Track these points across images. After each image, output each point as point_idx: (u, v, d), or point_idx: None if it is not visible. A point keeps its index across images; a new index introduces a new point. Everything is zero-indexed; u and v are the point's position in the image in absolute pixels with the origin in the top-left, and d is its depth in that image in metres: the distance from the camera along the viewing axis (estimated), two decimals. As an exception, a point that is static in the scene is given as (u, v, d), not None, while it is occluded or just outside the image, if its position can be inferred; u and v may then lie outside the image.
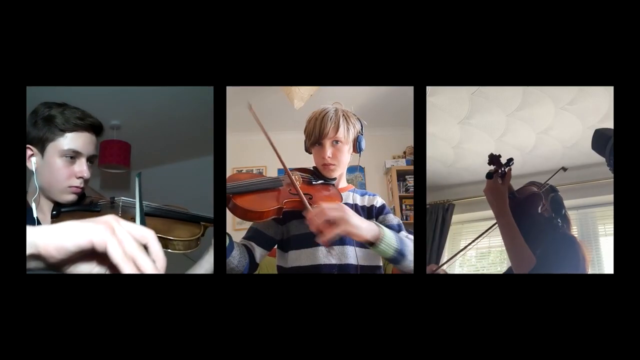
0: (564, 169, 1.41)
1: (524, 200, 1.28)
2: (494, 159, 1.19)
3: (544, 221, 1.27)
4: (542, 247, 1.20)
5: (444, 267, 1.33)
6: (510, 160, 1.19)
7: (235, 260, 1.06)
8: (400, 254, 0.98)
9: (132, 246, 0.51)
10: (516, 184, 1.44)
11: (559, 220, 1.28)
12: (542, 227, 1.25)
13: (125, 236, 0.52)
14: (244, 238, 1.18)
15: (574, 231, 2.58)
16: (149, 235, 0.54)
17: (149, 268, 0.51)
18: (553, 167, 2.58)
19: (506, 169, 1.18)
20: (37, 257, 0.51)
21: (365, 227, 0.94)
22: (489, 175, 1.17)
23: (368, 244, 0.98)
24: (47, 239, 0.50)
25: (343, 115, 1.19)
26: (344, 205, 0.97)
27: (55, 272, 0.53)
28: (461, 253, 1.40)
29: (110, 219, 0.53)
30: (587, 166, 2.45)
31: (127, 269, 0.50)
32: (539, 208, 1.27)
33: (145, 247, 0.53)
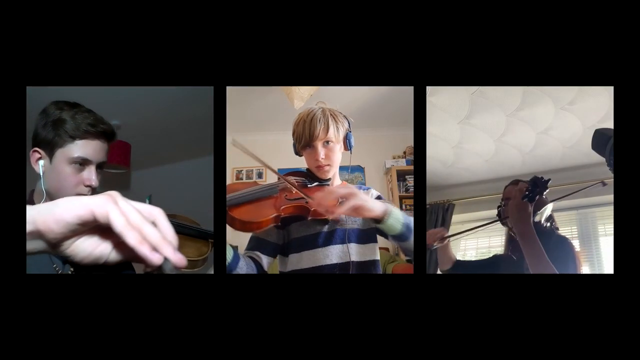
0: (604, 183, 1.25)
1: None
2: (539, 182, 1.12)
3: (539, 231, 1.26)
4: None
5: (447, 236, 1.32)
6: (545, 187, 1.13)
7: (243, 271, 1.05)
8: (407, 229, 1.00)
9: (136, 217, 0.48)
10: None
11: (546, 224, 1.27)
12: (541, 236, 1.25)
13: (129, 208, 0.49)
14: (247, 249, 1.15)
15: (574, 231, 2.59)
16: (157, 212, 0.51)
17: (155, 237, 0.48)
18: (553, 167, 2.59)
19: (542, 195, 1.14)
20: (36, 234, 0.48)
21: (373, 202, 0.98)
22: (532, 199, 1.12)
23: (376, 221, 1.01)
24: (45, 213, 0.47)
25: (330, 114, 1.17)
26: (351, 185, 0.98)
27: (56, 254, 0.51)
28: (464, 234, 1.39)
29: (113, 192, 0.50)
30: (587, 166, 2.45)
31: (131, 237, 0.47)
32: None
33: (154, 224, 0.50)
